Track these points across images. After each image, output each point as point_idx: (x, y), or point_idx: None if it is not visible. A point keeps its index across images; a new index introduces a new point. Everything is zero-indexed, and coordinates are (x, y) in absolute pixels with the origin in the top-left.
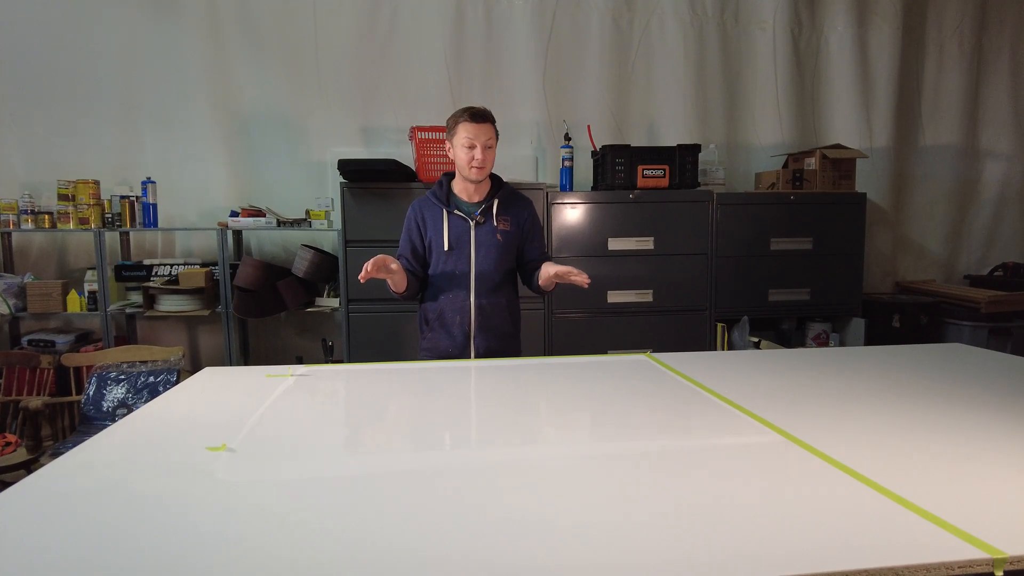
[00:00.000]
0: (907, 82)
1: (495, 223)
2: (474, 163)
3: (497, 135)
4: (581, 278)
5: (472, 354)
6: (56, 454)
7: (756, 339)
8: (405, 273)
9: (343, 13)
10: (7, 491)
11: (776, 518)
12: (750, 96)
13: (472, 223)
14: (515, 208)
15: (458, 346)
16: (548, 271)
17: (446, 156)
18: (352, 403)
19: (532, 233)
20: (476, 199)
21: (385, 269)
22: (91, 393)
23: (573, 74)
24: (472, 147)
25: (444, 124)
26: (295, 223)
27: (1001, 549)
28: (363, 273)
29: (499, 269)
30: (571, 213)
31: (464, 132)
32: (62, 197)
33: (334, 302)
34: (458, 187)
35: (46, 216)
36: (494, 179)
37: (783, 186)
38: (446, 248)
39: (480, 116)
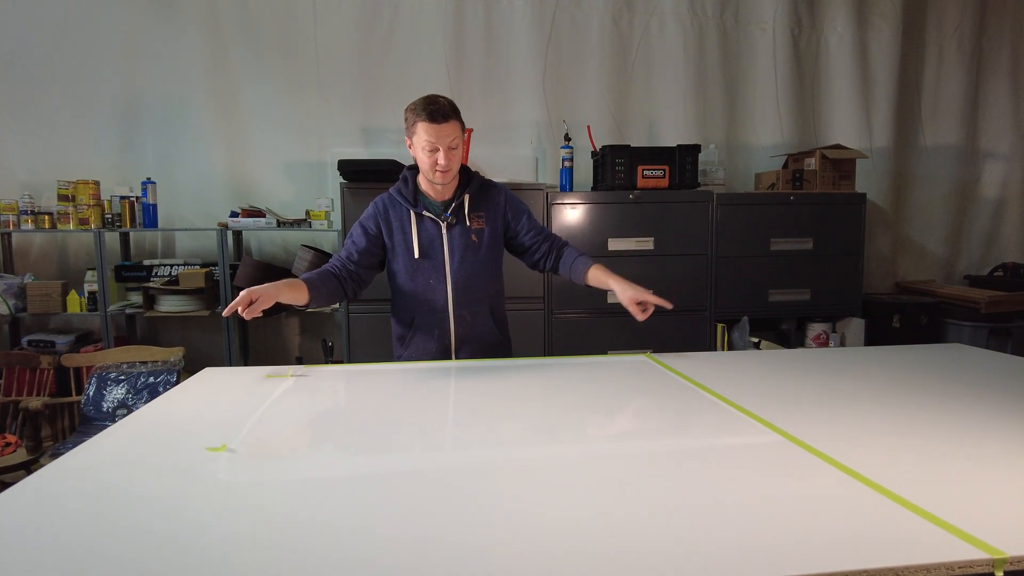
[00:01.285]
0: (907, 82)
1: (468, 223)
2: (438, 167)
3: (463, 127)
4: (661, 301)
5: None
6: (56, 455)
7: (756, 339)
8: (299, 283)
9: (343, 13)
10: (7, 492)
11: (776, 518)
12: (750, 96)
13: (443, 225)
14: (487, 201)
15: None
16: (614, 286)
17: None
18: (352, 403)
19: (518, 217)
20: (447, 195)
21: (249, 311)
22: (91, 394)
23: (573, 74)
24: (434, 150)
25: None
26: (295, 223)
27: (1001, 549)
28: (228, 309)
29: (479, 273)
30: (571, 213)
31: (424, 134)
32: (62, 197)
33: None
34: (425, 184)
35: (46, 217)
36: (463, 171)
37: (783, 186)
38: (416, 255)
39: (441, 115)
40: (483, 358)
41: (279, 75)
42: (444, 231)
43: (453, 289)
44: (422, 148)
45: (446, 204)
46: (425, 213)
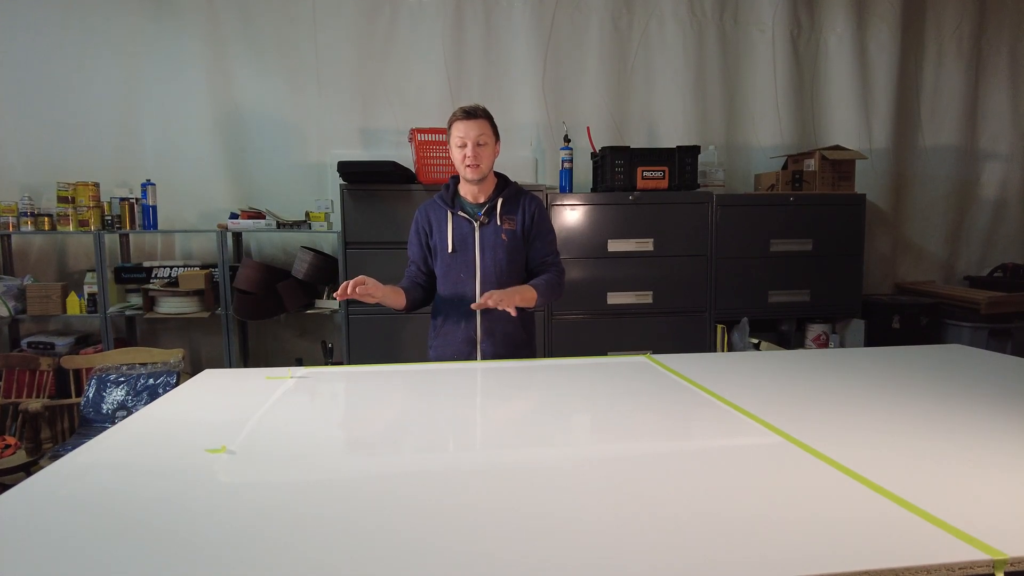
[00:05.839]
0: (906, 83)
1: (499, 223)
2: (467, 161)
3: (496, 132)
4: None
5: (479, 360)
6: (56, 456)
7: (756, 340)
8: (399, 290)
9: (343, 13)
10: (6, 493)
11: (776, 520)
12: (749, 97)
13: (476, 224)
14: (520, 206)
15: (463, 352)
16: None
17: (446, 158)
18: (352, 405)
19: (537, 232)
20: (481, 199)
21: (362, 288)
22: (91, 395)
23: (572, 75)
24: (463, 145)
25: (444, 126)
26: (295, 225)
27: (1001, 550)
28: (340, 292)
29: (506, 271)
30: (571, 215)
31: (456, 131)
32: (62, 199)
33: (334, 304)
34: (463, 189)
35: (46, 218)
36: (500, 178)
37: (783, 187)
38: (450, 250)
39: (471, 112)
40: (504, 353)
41: (279, 75)
42: (477, 229)
43: (481, 282)
44: (455, 145)
45: (480, 206)
46: (460, 213)
